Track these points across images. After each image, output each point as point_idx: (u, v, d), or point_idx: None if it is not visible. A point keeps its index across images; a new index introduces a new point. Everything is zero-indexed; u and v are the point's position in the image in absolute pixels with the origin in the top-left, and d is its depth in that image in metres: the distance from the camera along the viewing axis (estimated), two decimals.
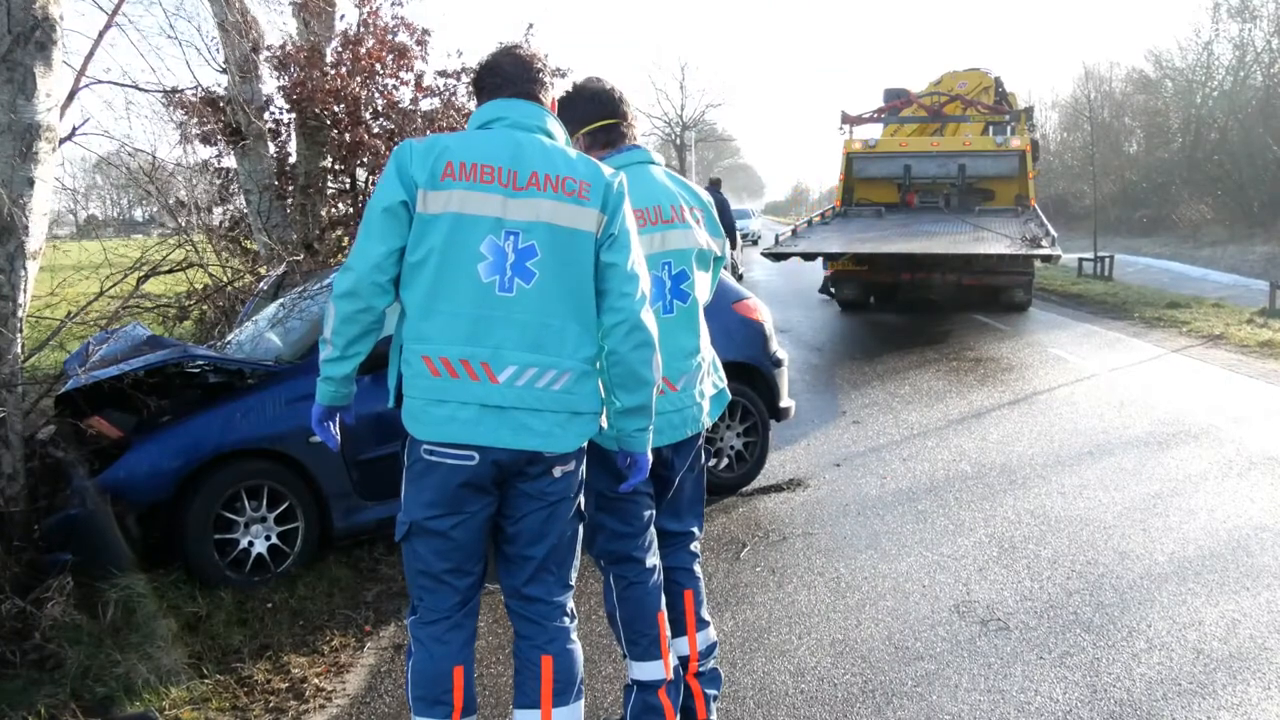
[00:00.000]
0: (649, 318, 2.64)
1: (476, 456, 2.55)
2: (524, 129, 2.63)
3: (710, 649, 3.22)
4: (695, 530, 3.27)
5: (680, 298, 3.01)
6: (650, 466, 2.80)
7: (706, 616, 3.25)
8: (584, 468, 2.75)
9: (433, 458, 2.56)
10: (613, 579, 3.04)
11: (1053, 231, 11.87)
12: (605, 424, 2.72)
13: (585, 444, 2.70)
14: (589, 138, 3.07)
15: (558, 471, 2.64)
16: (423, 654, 2.66)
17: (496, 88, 2.70)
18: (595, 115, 3.08)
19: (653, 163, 3.12)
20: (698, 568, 3.26)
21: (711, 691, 3.22)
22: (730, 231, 14.50)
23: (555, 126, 2.71)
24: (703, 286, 3.12)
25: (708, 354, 3.16)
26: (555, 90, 2.85)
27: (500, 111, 2.66)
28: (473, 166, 2.54)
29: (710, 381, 3.17)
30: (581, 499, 2.76)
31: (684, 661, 3.16)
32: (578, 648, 2.76)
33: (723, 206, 15.24)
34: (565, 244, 2.58)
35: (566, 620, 2.75)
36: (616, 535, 3.00)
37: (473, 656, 2.72)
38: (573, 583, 2.78)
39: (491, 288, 2.54)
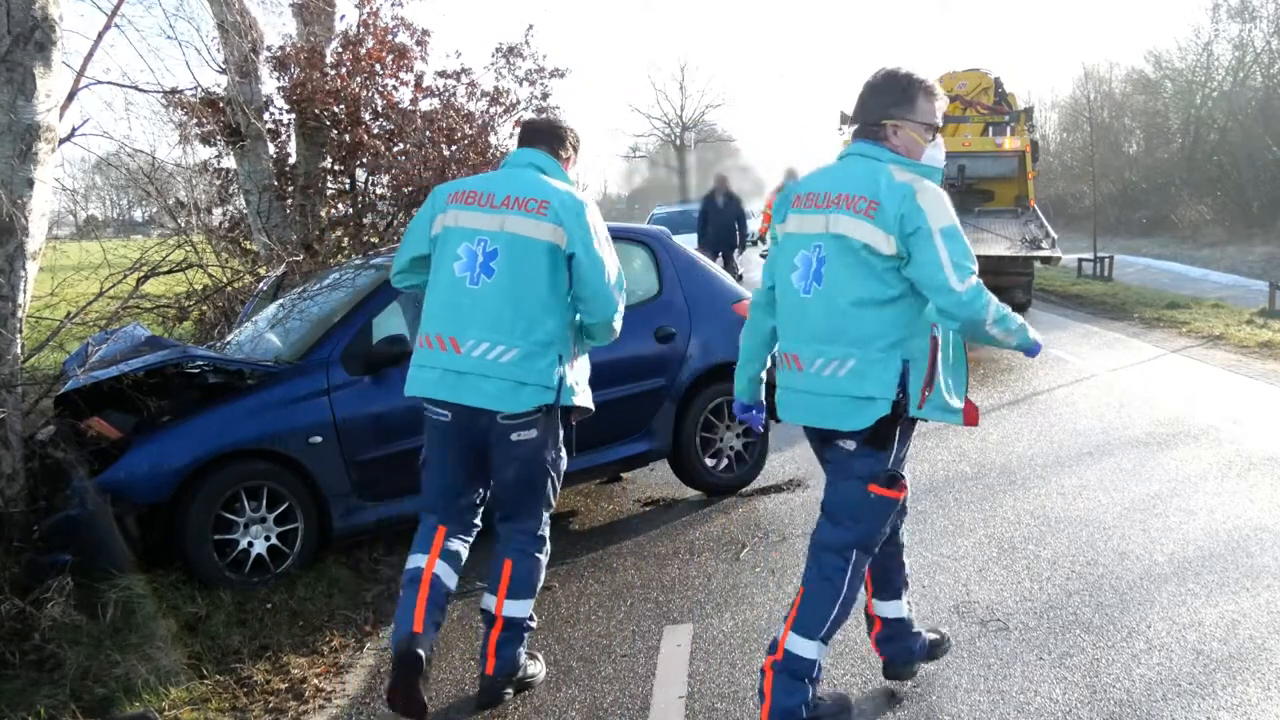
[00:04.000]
0: (618, 321, 3.54)
1: (449, 414, 3.46)
2: (518, 165, 3.61)
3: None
4: (843, 539, 3.16)
5: (819, 281, 3.06)
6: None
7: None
8: (550, 437, 3.49)
9: (427, 413, 3.54)
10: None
11: (1053, 233, 11.85)
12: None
13: (546, 414, 3.43)
14: (860, 126, 3.16)
15: (514, 436, 3.41)
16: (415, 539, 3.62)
17: (529, 139, 3.69)
18: (873, 115, 3.11)
19: (863, 155, 3.11)
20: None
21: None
22: (740, 234, 14.46)
23: (546, 163, 3.60)
24: (847, 276, 3.00)
25: (860, 349, 3.00)
26: (573, 145, 3.73)
27: (509, 157, 3.70)
28: (464, 193, 3.51)
29: (861, 378, 3.00)
30: (549, 460, 3.52)
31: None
32: (538, 562, 3.59)
33: (710, 213, 14.60)
34: (522, 249, 3.39)
35: (534, 542, 3.57)
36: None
37: (448, 561, 3.55)
38: (542, 517, 3.58)
39: (464, 281, 3.41)
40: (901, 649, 3.48)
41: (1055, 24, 72.85)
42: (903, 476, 3.16)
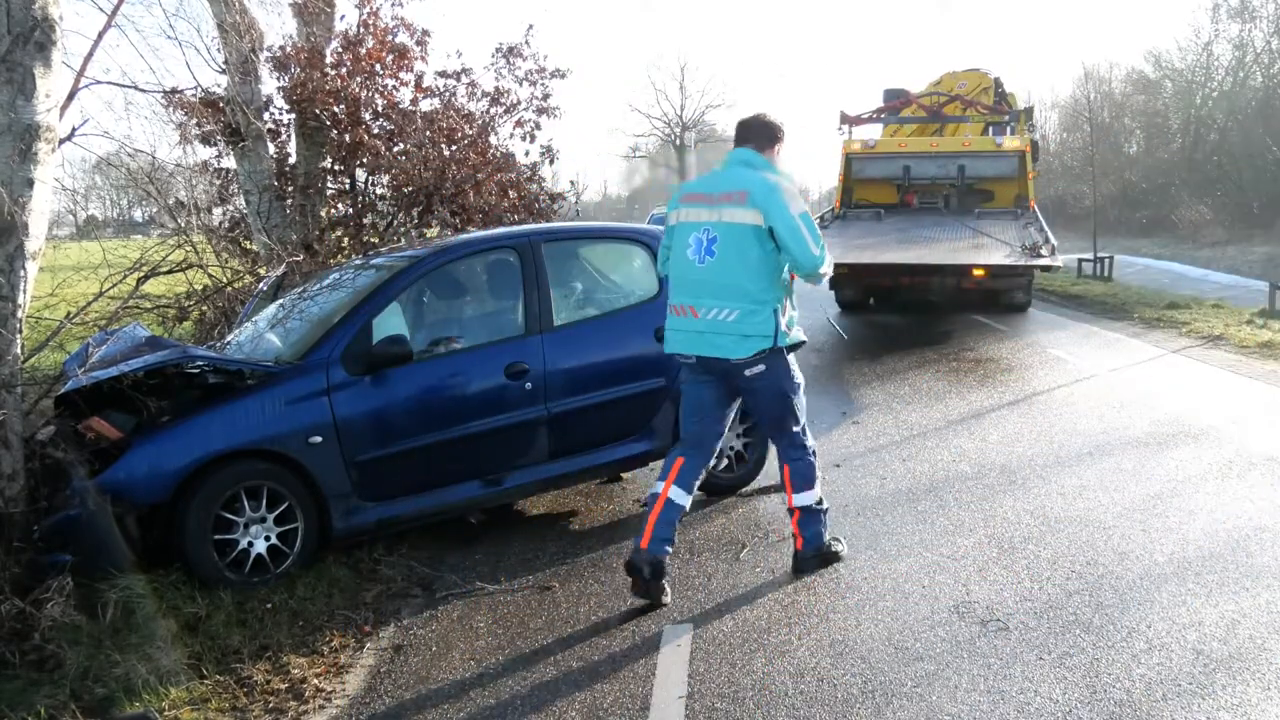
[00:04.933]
0: (825, 268, 4.44)
1: (694, 359, 4.50)
2: (732, 164, 4.55)
3: None
4: None
5: None
6: None
7: None
8: (780, 371, 4.45)
9: (680, 359, 4.58)
10: None
11: (1052, 239, 11.84)
12: None
13: (770, 354, 4.37)
14: None
15: (748, 372, 4.40)
16: (662, 467, 4.68)
17: (742, 138, 4.59)
18: None
19: None
20: None
21: None
22: None
23: (754, 158, 4.51)
24: None
25: None
26: (780, 138, 4.61)
27: (726, 157, 4.63)
28: (692, 195, 4.59)
29: None
30: (786, 388, 4.51)
31: None
32: (807, 462, 4.62)
33: None
34: (735, 233, 4.35)
35: (799, 450, 4.62)
36: None
37: (693, 458, 4.56)
38: (797, 430, 4.59)
39: (694, 263, 4.44)
40: None
41: (1055, 24, 73.00)
42: None
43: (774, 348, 4.39)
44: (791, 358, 4.56)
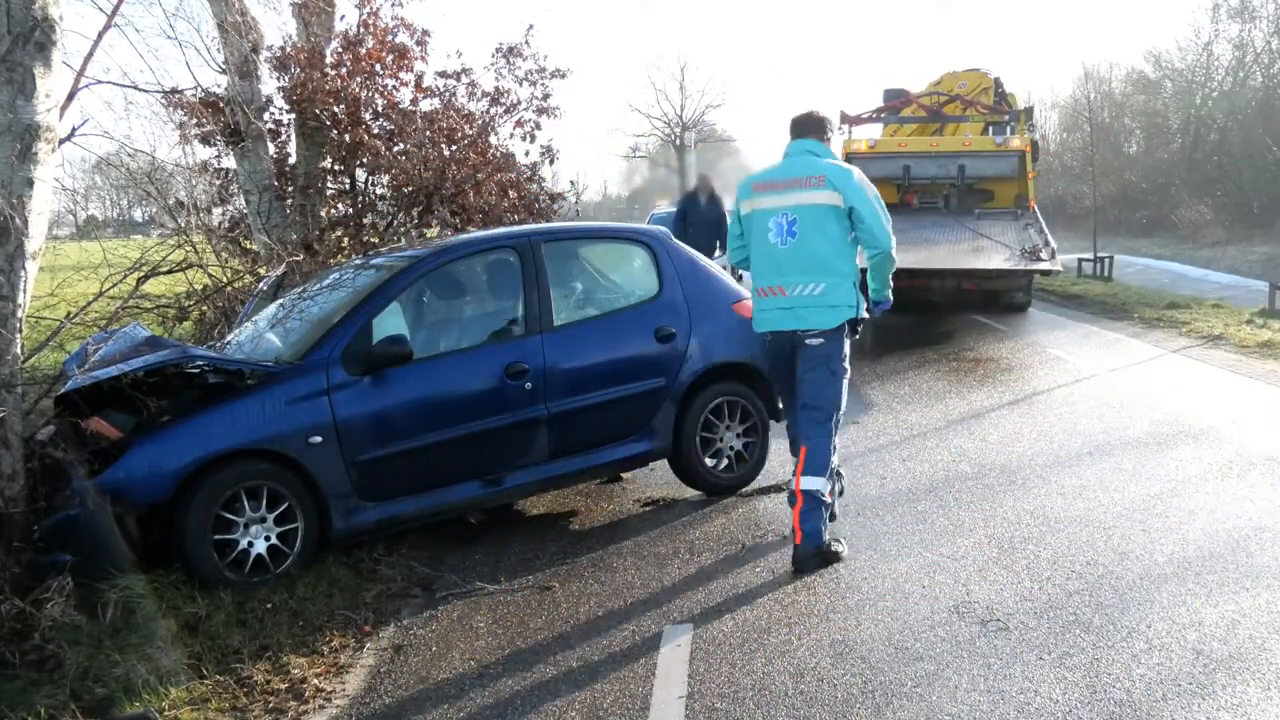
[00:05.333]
0: (895, 252, 4.79)
1: (770, 336, 4.88)
2: (797, 154, 4.88)
3: None
4: None
5: None
6: None
7: None
8: (836, 346, 4.75)
9: (764, 339, 4.96)
10: None
11: (1052, 242, 11.83)
12: None
13: (839, 329, 4.72)
14: None
15: (809, 341, 4.73)
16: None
17: (800, 131, 4.93)
18: None
19: None
20: None
21: None
22: (721, 235, 14.18)
23: (817, 147, 4.85)
24: None
25: None
26: (831, 129, 5.00)
27: (788, 149, 4.94)
28: (763, 184, 4.89)
29: None
30: (836, 365, 4.75)
31: None
32: (827, 450, 4.73)
33: (689, 213, 13.83)
34: (815, 214, 4.70)
35: (825, 436, 4.73)
36: None
37: (803, 425, 4.80)
38: (830, 416, 4.74)
39: (776, 245, 4.78)
40: None
41: (1055, 24, 72.84)
42: None
43: (850, 319, 4.76)
44: (847, 344, 4.82)
